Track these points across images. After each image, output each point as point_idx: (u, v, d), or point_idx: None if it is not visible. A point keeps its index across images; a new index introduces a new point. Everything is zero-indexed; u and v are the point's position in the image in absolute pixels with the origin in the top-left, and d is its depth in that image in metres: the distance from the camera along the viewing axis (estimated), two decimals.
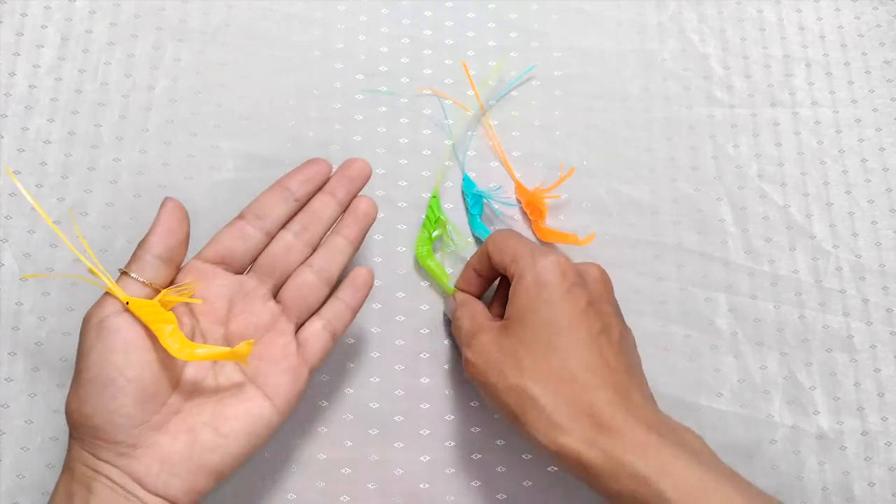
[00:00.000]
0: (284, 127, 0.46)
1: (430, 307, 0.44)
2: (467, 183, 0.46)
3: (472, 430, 0.42)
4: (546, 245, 0.44)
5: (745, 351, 0.45)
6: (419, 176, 0.46)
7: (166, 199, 0.35)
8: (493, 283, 0.43)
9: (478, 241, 0.45)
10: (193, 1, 0.48)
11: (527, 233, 0.46)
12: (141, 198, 0.44)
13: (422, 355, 0.43)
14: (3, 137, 0.44)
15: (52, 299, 0.42)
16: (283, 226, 0.38)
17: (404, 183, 0.46)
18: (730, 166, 0.48)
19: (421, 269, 0.45)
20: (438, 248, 0.45)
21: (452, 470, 0.42)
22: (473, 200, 0.45)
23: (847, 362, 0.45)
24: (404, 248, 0.45)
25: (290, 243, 0.38)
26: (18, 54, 0.46)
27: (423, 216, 0.45)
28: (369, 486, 0.41)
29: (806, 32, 0.51)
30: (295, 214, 0.38)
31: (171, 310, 0.34)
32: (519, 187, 0.46)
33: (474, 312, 0.39)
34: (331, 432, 0.42)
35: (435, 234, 0.44)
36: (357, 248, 0.39)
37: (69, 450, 0.33)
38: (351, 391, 0.42)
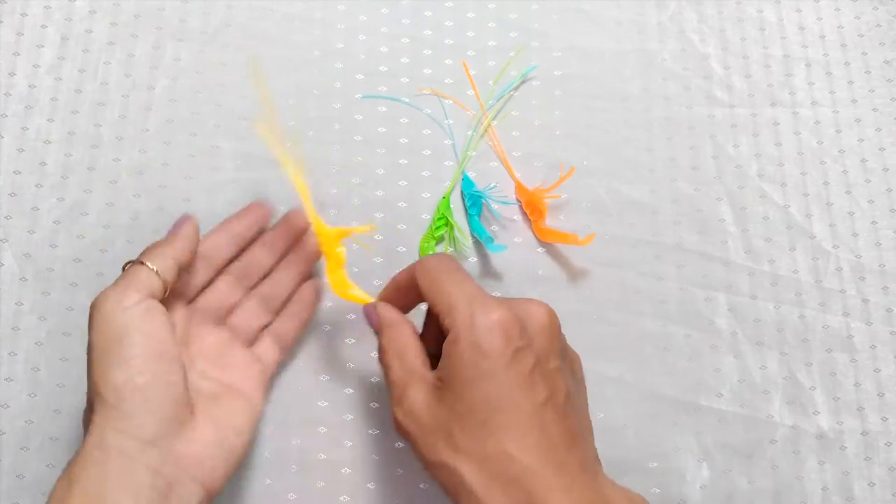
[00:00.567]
0: (284, 127, 0.46)
1: None
2: (466, 183, 0.46)
3: None
4: (483, 292, 0.34)
5: (745, 351, 0.45)
6: (419, 176, 0.46)
7: (185, 215, 0.37)
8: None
9: (476, 241, 0.45)
10: (193, 1, 0.48)
11: (527, 233, 0.46)
12: (141, 198, 0.44)
13: None
14: (3, 137, 0.44)
15: (52, 299, 0.42)
16: (224, 269, 0.40)
17: (404, 183, 0.46)
18: (730, 166, 0.48)
19: None
20: (441, 248, 0.45)
21: None
22: (471, 200, 0.45)
23: (847, 362, 0.45)
24: (404, 249, 0.45)
25: (232, 287, 0.40)
26: (18, 54, 0.46)
27: (423, 216, 0.45)
28: (369, 486, 0.41)
29: (806, 32, 0.51)
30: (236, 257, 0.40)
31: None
32: (519, 187, 0.46)
33: (404, 348, 0.35)
34: (331, 432, 0.42)
35: (438, 233, 0.44)
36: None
37: (92, 434, 0.31)
38: (351, 391, 0.42)
